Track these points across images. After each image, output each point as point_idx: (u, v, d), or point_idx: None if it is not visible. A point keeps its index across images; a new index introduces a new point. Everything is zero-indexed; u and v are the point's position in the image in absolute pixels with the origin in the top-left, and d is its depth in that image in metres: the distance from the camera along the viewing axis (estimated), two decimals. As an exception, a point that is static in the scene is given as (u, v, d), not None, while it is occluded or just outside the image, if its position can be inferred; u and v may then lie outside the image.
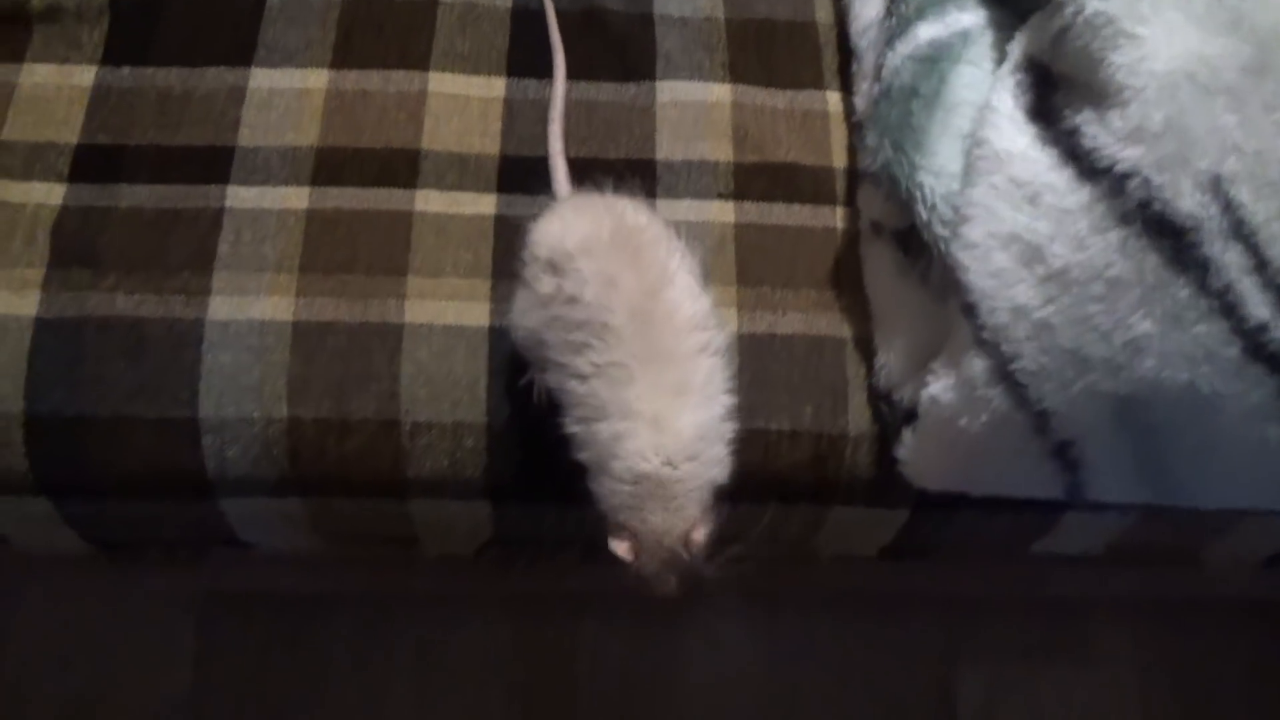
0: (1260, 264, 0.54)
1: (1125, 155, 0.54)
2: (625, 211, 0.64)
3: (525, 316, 0.65)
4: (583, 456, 0.62)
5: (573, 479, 0.71)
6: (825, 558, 0.84)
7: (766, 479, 0.74)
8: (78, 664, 1.10)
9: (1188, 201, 0.54)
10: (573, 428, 0.62)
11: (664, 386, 0.60)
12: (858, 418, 0.73)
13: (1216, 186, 0.54)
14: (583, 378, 0.61)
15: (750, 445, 0.72)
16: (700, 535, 0.60)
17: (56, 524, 0.76)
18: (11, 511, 0.74)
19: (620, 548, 0.60)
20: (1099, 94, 0.56)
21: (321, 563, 0.96)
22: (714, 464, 0.61)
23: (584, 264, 0.61)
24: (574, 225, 0.63)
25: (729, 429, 0.63)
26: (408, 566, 0.98)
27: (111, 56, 0.80)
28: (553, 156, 0.77)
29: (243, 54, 0.80)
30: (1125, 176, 0.54)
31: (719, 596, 1.21)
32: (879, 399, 0.71)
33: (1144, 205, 0.54)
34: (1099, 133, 0.55)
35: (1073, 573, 1.00)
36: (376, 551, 0.87)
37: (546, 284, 0.62)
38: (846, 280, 0.76)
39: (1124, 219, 0.55)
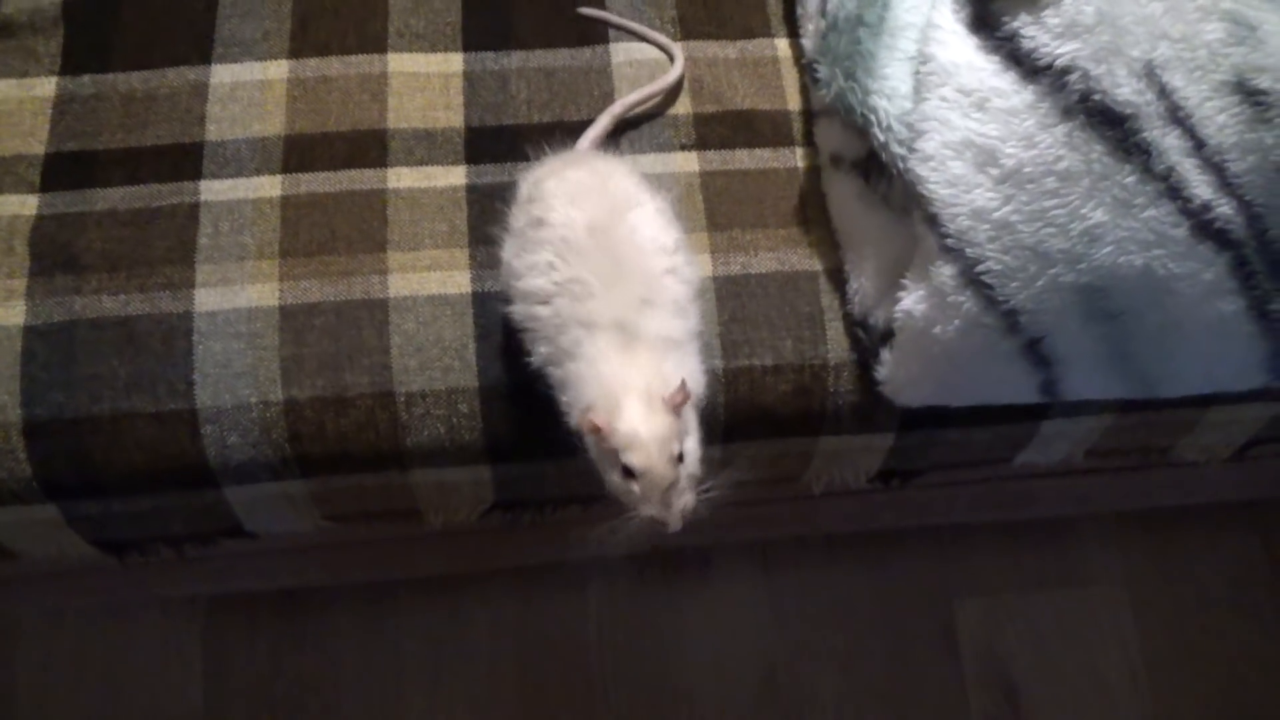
0: (1198, 145, 0.57)
1: (1063, 50, 0.57)
2: (601, 156, 0.66)
3: (505, 252, 0.67)
4: (553, 375, 0.63)
5: (567, 432, 0.74)
6: (818, 491, 0.86)
7: (754, 414, 0.76)
8: (87, 686, 1.11)
9: (1125, 90, 0.57)
10: (540, 350, 0.63)
11: (628, 299, 0.61)
12: (837, 346, 0.76)
13: (1150, 73, 0.57)
14: (546, 300, 0.62)
15: (736, 382, 0.75)
16: (679, 397, 0.59)
17: (62, 529, 0.77)
18: (18, 521, 0.75)
19: (588, 425, 0.59)
20: (1033, -4, 0.59)
21: (324, 551, 0.97)
22: (686, 371, 0.61)
23: (550, 185, 0.63)
24: (550, 162, 0.66)
25: (696, 346, 0.64)
26: (411, 547, 1.00)
27: (70, 66, 0.81)
28: (598, 120, 0.78)
29: (201, 51, 0.82)
30: (1065, 71, 0.57)
31: (719, 553, 1.23)
32: (855, 325, 0.74)
33: (1085, 97, 0.57)
34: (1036, 33, 0.58)
35: (1057, 489, 1.04)
36: (380, 529, 0.88)
37: (520, 216, 0.65)
38: (813, 216, 0.79)
39: (1067, 113, 0.57)
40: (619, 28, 0.84)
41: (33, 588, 0.95)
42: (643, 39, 0.84)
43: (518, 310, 0.65)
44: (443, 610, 1.14)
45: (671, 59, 0.83)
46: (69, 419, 0.71)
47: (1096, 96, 0.57)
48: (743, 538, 1.17)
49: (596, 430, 0.59)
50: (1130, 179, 0.58)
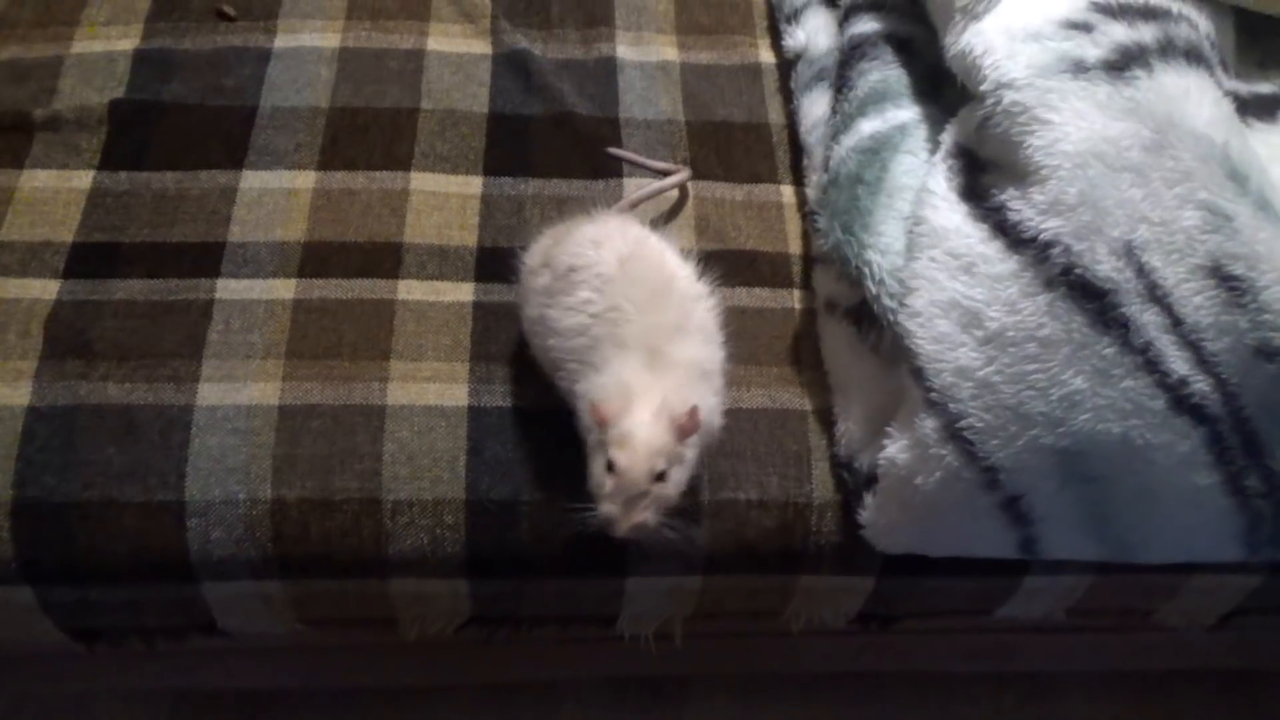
0: (1175, 322, 0.60)
1: (1046, 226, 0.60)
2: (609, 215, 0.73)
3: (528, 311, 0.71)
4: (576, 390, 0.65)
5: (550, 553, 0.74)
6: (797, 630, 0.86)
7: (736, 548, 0.76)
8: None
9: (1105, 266, 0.59)
10: (569, 367, 0.66)
11: (662, 325, 0.64)
12: (821, 486, 0.76)
13: (1129, 253, 0.60)
14: (584, 332, 0.65)
15: (720, 514, 0.76)
16: (690, 420, 0.61)
17: (36, 614, 0.76)
18: (-8, 601, 0.75)
19: (594, 411, 0.61)
20: (1020, 173, 0.62)
21: (296, 654, 0.96)
22: (705, 404, 0.63)
23: (572, 240, 0.68)
24: (559, 226, 0.73)
25: (721, 382, 0.67)
26: (385, 656, 0.98)
27: (109, 162, 0.85)
28: (613, 208, 0.82)
29: (234, 157, 0.86)
30: (1048, 245, 0.60)
31: (696, 684, 1.21)
32: (840, 467, 0.75)
33: (1066, 270, 0.60)
34: (1022, 207, 0.61)
35: (1039, 644, 1.03)
36: (354, 637, 0.87)
37: (540, 277, 0.69)
38: (806, 357, 0.81)
39: (1049, 284, 0.60)
40: (638, 164, 0.89)
41: (-1, 671, 0.93)
42: (662, 173, 0.88)
43: (554, 346, 0.68)
44: (413, 721, 1.11)
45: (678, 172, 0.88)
46: (58, 502, 0.72)
47: (1078, 271, 0.60)
48: (721, 670, 1.15)
49: (601, 419, 0.61)
50: (1109, 350, 0.60)
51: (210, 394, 0.75)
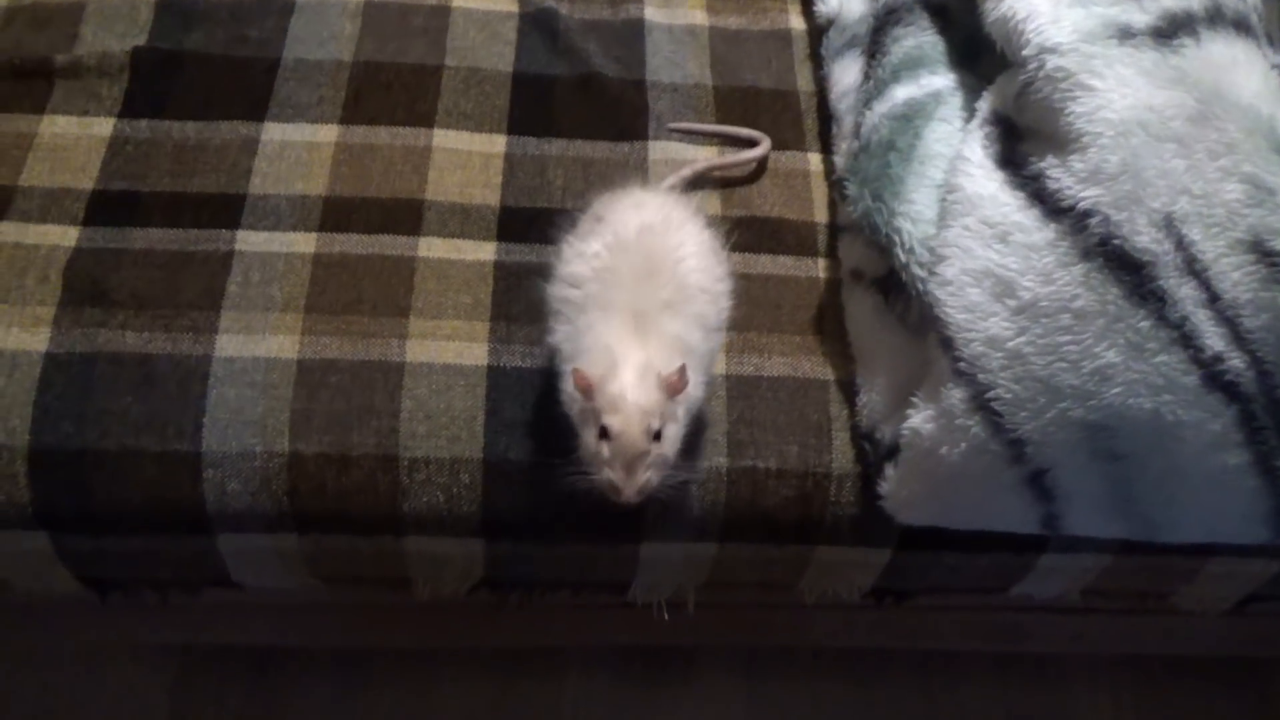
0: (1212, 298, 0.59)
1: (1086, 195, 0.59)
2: (674, 196, 0.72)
3: (562, 254, 0.70)
4: (563, 353, 0.65)
5: (565, 516, 0.74)
6: (810, 601, 0.85)
7: (753, 516, 0.76)
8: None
9: (1144, 238, 0.58)
10: (559, 329, 0.66)
11: (652, 297, 0.63)
12: (841, 457, 0.76)
13: (1169, 225, 0.58)
14: (579, 284, 0.65)
15: (738, 482, 0.75)
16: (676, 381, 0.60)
17: (51, 561, 0.76)
18: (8, 548, 0.75)
19: (579, 378, 0.60)
20: (1060, 141, 0.61)
21: (307, 612, 0.96)
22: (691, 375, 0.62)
23: (622, 200, 0.68)
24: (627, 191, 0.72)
25: (707, 363, 0.66)
26: (395, 616, 0.98)
27: (130, 109, 0.84)
28: (683, 169, 0.83)
29: (256, 109, 0.85)
30: (1086, 215, 0.59)
31: (703, 656, 1.21)
32: (862, 437, 0.74)
33: (1104, 241, 0.59)
34: (1061, 175, 0.60)
35: (1052, 626, 1.02)
36: (367, 596, 0.87)
37: (585, 224, 0.69)
38: (829, 326, 0.80)
39: (1086, 254, 0.59)
40: (707, 133, 0.88)
41: (6, 625, 0.94)
42: (734, 137, 0.88)
43: (553, 291, 0.67)
44: (416, 688, 1.11)
45: (756, 144, 0.87)
46: (75, 450, 0.71)
47: (1115, 242, 0.59)
48: (729, 641, 1.15)
49: (585, 385, 0.60)
50: (1144, 323, 0.59)
51: (228, 345, 0.75)
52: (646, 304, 0.63)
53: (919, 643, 1.07)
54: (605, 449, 0.60)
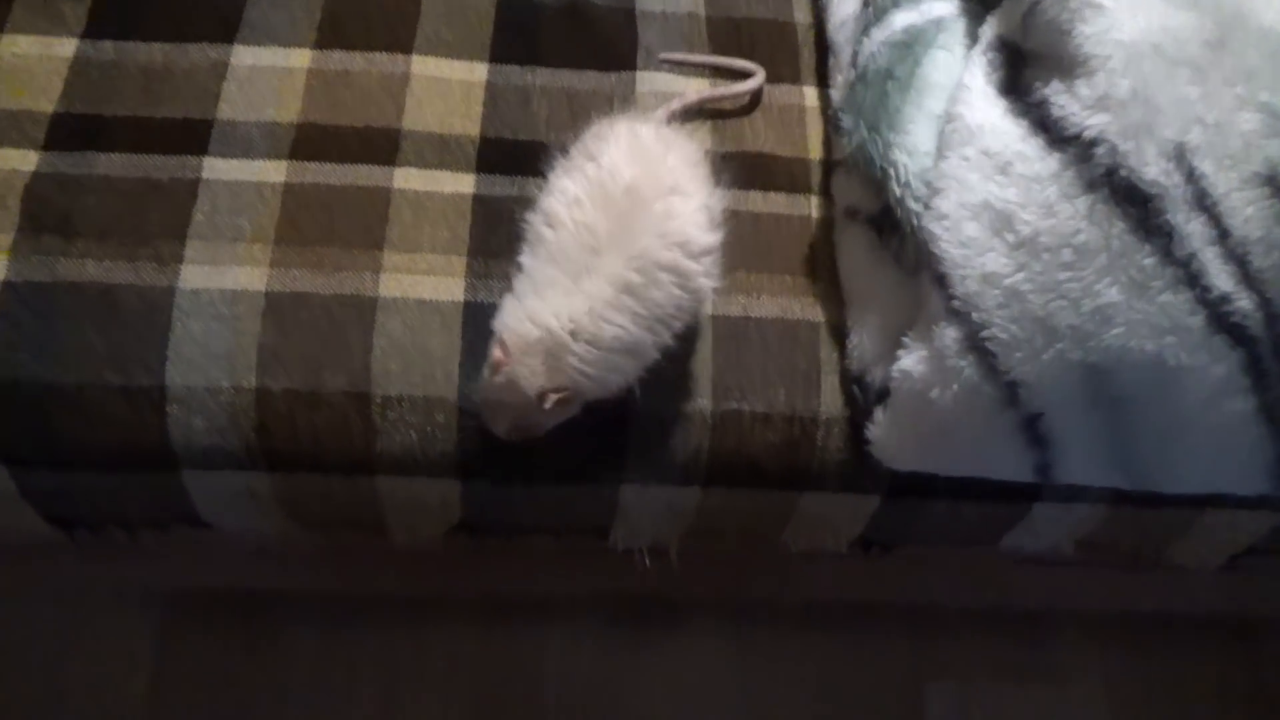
0: (1222, 234, 0.56)
1: (1092, 122, 0.56)
2: (676, 132, 0.68)
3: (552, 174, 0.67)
4: (513, 279, 0.64)
5: (542, 456, 0.71)
6: (795, 550, 0.83)
7: (738, 462, 0.74)
8: (31, 668, 1.07)
9: (1152, 169, 0.55)
10: (523, 255, 0.64)
11: (612, 274, 0.60)
12: (830, 402, 0.73)
13: (1180, 156, 0.55)
14: (554, 226, 0.62)
15: (723, 426, 0.73)
16: (550, 401, 0.60)
17: (16, 501, 0.74)
18: (-31, 484, 0.72)
19: (496, 353, 0.61)
20: (1067, 65, 0.57)
21: (286, 556, 0.94)
22: (608, 368, 0.61)
23: (621, 131, 0.64)
24: (628, 119, 0.68)
25: (639, 364, 0.63)
26: (375, 563, 0.97)
27: (94, 30, 0.80)
28: (678, 99, 0.79)
29: (226, 32, 0.81)
30: (1092, 143, 0.56)
31: (689, 608, 1.20)
32: (852, 381, 0.72)
33: (1110, 172, 0.56)
34: (1067, 102, 0.57)
35: (1041, 580, 1.01)
36: (344, 539, 0.85)
37: (581, 150, 0.66)
38: (820, 267, 0.77)
39: (1091, 185, 0.56)
40: (699, 65, 0.84)
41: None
42: (727, 69, 0.84)
43: (531, 219, 0.65)
44: (403, 636, 1.10)
45: (752, 75, 0.83)
46: (35, 383, 0.69)
47: (1122, 173, 0.55)
48: (715, 593, 1.14)
49: (498, 362, 0.60)
50: (1149, 260, 0.56)
51: (194, 277, 0.72)
52: (601, 284, 0.60)
53: (907, 596, 1.06)
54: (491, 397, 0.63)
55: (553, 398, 0.59)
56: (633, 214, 0.61)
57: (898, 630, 1.23)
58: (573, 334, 0.59)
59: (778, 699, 1.19)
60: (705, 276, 0.63)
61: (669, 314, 0.62)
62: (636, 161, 0.63)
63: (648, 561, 0.82)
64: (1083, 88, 0.56)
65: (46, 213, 0.73)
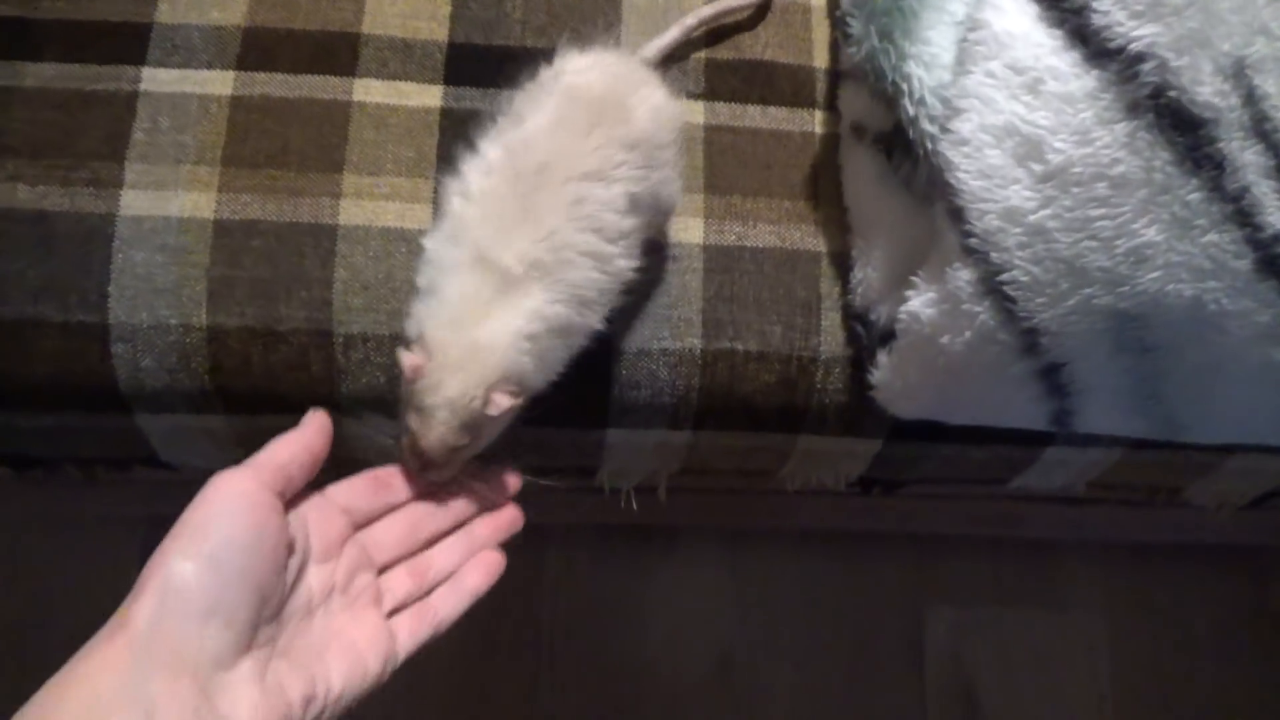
0: (1281, 165, 0.49)
1: (1140, 33, 0.48)
2: (657, 82, 0.60)
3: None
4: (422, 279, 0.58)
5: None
6: (792, 489, 0.79)
7: (731, 403, 0.68)
8: (14, 588, 1.05)
9: (1206, 89, 0.48)
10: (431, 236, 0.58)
11: (526, 251, 0.54)
12: (830, 339, 0.68)
13: (1240, 72, 0.48)
14: (466, 195, 0.56)
15: (715, 365, 0.67)
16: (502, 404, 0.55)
17: (-42, 438, 0.70)
18: (-93, 423, 0.68)
19: (408, 359, 0.55)
20: (1113, -36, 0.49)
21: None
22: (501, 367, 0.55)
23: (586, 74, 0.57)
24: (608, 53, 0.61)
25: (563, 355, 0.58)
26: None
27: (14, -81, 0.72)
28: (669, 30, 0.70)
29: (162, -80, 0.72)
30: (1138, 59, 0.48)
31: (685, 533, 1.17)
32: (854, 318, 0.66)
33: (1157, 93, 0.48)
34: (1111, 9, 0.49)
35: (1050, 514, 0.97)
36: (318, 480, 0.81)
37: (546, 79, 0.58)
38: (824, 190, 0.70)
39: (1133, 108, 0.49)
40: None
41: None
42: None
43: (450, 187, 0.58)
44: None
45: None
46: (-34, 318, 0.63)
47: (1171, 93, 0.48)
48: (708, 522, 1.11)
49: (413, 372, 0.54)
50: (1195, 195, 0.49)
51: (135, 203, 0.66)
52: (513, 262, 0.54)
53: (908, 528, 1.02)
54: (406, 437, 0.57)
55: (503, 401, 0.54)
56: (553, 190, 0.55)
57: (896, 554, 1.21)
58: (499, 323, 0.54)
59: (775, 621, 1.18)
60: (624, 258, 0.57)
61: (590, 296, 0.56)
62: (560, 133, 0.56)
63: (634, 503, 0.78)
64: (1131, -9, 0.48)
65: (-29, 130, 0.66)
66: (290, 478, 0.53)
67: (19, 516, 1.06)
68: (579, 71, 0.58)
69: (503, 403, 0.54)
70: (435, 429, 0.54)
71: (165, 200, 0.66)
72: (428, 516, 0.59)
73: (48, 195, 0.65)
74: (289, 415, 0.67)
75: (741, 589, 1.18)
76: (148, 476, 0.76)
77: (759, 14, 0.74)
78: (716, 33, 0.74)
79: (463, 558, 0.60)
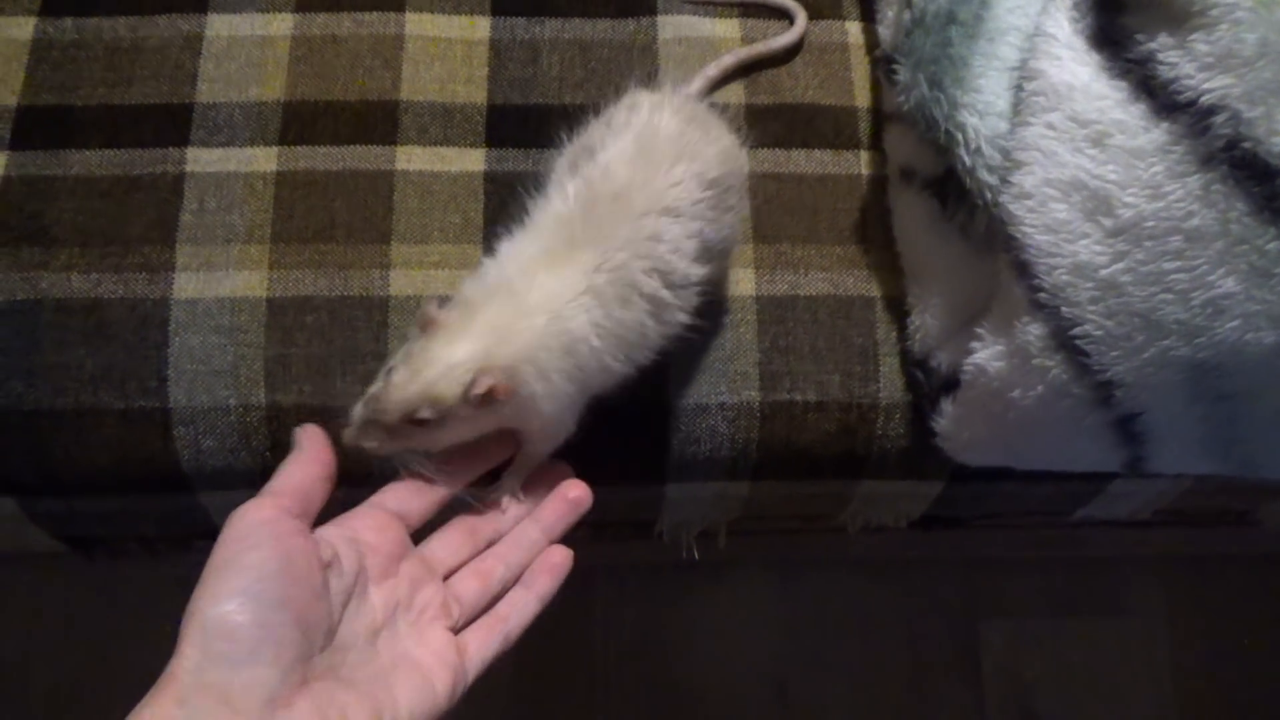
0: (1362, 210, 0.47)
1: (1211, 85, 0.47)
2: (721, 124, 0.60)
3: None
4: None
5: (578, 454, 0.66)
6: (853, 531, 0.78)
7: (790, 454, 0.68)
8: (66, 652, 1.06)
9: (1283, 139, 0.47)
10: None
11: (581, 274, 0.53)
12: (889, 385, 0.67)
13: (1316, 121, 0.47)
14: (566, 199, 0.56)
15: (773, 418, 0.66)
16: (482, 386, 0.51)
17: (24, 524, 0.70)
18: (-26, 511, 0.68)
19: (432, 310, 0.53)
20: (1179, 13, 0.48)
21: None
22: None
23: (656, 113, 0.56)
24: (669, 92, 0.60)
25: (574, 412, 0.56)
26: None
27: (51, 6, 0.72)
28: (708, 67, 0.71)
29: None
30: (1210, 111, 0.47)
31: (735, 563, 1.16)
32: (913, 364, 0.65)
33: (1231, 144, 0.47)
34: (1179, 60, 0.48)
35: (1111, 534, 0.95)
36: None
37: (618, 113, 0.58)
38: (874, 234, 0.69)
39: (1207, 161, 0.47)
40: (728, 2, 0.75)
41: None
42: (762, 4, 0.75)
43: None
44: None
45: (792, 19, 0.73)
46: (28, 411, 0.64)
47: (1246, 144, 0.47)
48: (762, 556, 1.10)
49: (428, 324, 0.53)
50: (1273, 245, 0.48)
51: (188, 285, 0.66)
52: (580, 266, 0.53)
53: (964, 552, 1.01)
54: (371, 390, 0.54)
55: (485, 382, 0.50)
56: (618, 220, 0.54)
57: (950, 568, 1.19)
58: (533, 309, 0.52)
59: (828, 640, 1.17)
60: (681, 312, 0.57)
61: (631, 339, 0.55)
62: (641, 164, 0.55)
63: (695, 553, 0.77)
64: (1199, 42, 0.47)
65: (21, 221, 0.67)
66: (308, 497, 0.52)
67: (78, 584, 1.07)
68: (655, 108, 0.57)
69: (484, 385, 0.50)
70: (412, 385, 0.52)
71: (217, 281, 0.66)
72: (484, 520, 0.58)
73: (101, 283, 0.66)
74: (349, 489, 0.68)
75: (793, 608, 1.17)
76: (208, 547, 0.76)
77: (791, 50, 0.73)
78: (753, 74, 0.73)
79: (528, 555, 0.57)
